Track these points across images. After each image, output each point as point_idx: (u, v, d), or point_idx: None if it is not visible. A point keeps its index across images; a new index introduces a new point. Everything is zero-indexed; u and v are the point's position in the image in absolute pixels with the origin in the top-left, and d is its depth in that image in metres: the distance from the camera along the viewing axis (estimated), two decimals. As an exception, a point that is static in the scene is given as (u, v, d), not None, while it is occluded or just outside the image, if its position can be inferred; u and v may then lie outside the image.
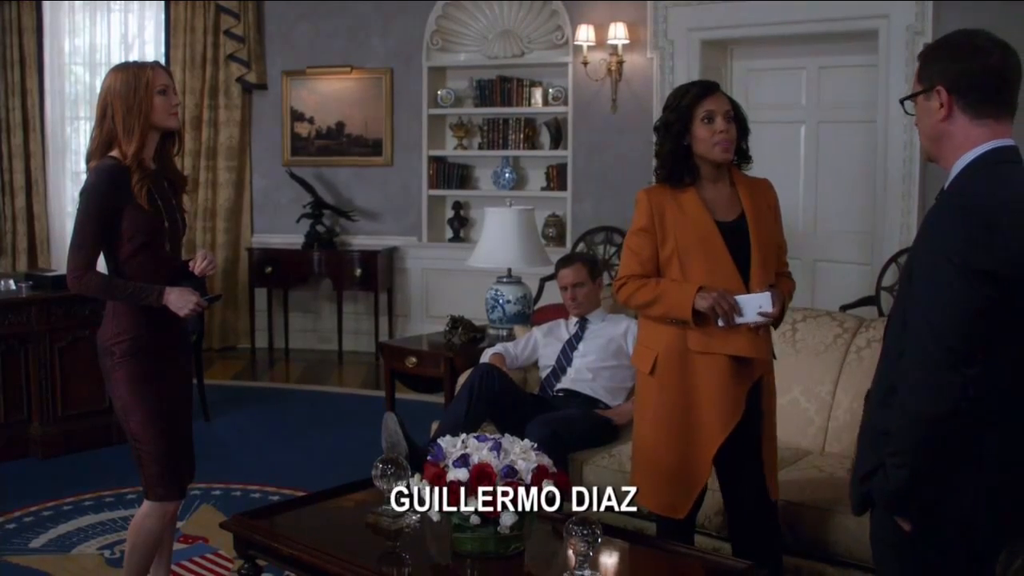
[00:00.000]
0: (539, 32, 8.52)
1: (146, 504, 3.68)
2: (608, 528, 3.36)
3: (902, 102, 2.45)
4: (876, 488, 2.29)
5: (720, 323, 3.37)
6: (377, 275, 8.84)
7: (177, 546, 4.64)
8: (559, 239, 8.57)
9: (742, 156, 3.60)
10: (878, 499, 2.30)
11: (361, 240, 9.14)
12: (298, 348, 9.28)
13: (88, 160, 3.60)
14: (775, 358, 3.64)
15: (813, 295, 7.40)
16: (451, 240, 8.99)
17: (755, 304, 3.38)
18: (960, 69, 2.30)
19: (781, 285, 3.57)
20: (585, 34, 8.08)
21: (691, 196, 3.50)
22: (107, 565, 4.52)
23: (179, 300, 3.51)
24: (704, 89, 3.52)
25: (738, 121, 3.52)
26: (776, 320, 3.48)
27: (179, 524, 4.90)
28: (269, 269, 9.05)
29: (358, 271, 8.84)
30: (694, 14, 7.71)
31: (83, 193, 3.56)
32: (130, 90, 3.49)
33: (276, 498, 5.16)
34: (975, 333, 2.16)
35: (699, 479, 3.50)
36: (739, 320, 3.38)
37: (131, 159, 3.49)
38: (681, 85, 3.67)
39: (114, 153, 3.52)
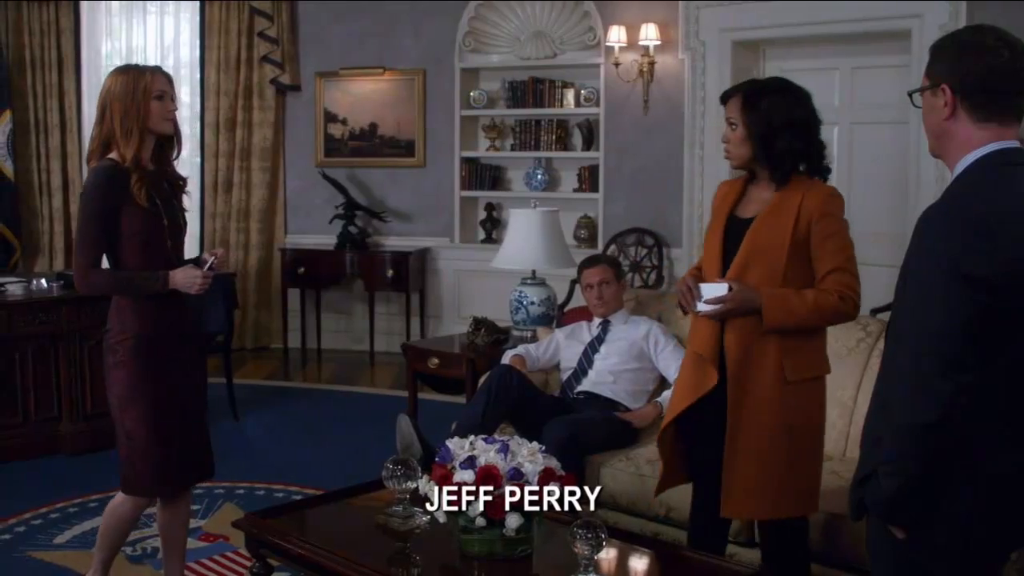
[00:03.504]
0: (571, 33, 8.50)
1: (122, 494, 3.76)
2: (617, 532, 3.36)
3: (910, 95, 2.40)
4: (869, 495, 2.25)
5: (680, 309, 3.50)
6: (409, 276, 8.85)
7: (198, 544, 4.69)
8: (591, 240, 8.54)
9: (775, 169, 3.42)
10: (871, 506, 2.26)
11: (393, 241, 9.16)
12: (330, 348, 9.32)
13: (88, 160, 3.67)
14: (790, 380, 3.37)
15: (845, 298, 7.32)
16: (483, 241, 8.99)
17: (711, 292, 3.37)
18: (966, 69, 2.24)
19: (798, 294, 3.34)
20: (616, 35, 8.05)
21: (735, 188, 3.55)
22: (129, 562, 4.55)
23: (185, 280, 3.57)
24: (722, 99, 3.55)
25: (749, 128, 3.41)
26: (723, 312, 3.34)
27: (201, 522, 4.96)
28: (302, 270, 9.09)
29: (390, 272, 8.86)
30: (726, 14, 7.66)
31: (83, 195, 3.64)
32: (128, 93, 3.54)
33: (299, 498, 5.17)
34: (967, 340, 2.11)
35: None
36: (697, 307, 3.39)
37: (129, 162, 3.54)
38: None
39: (112, 155, 3.58)
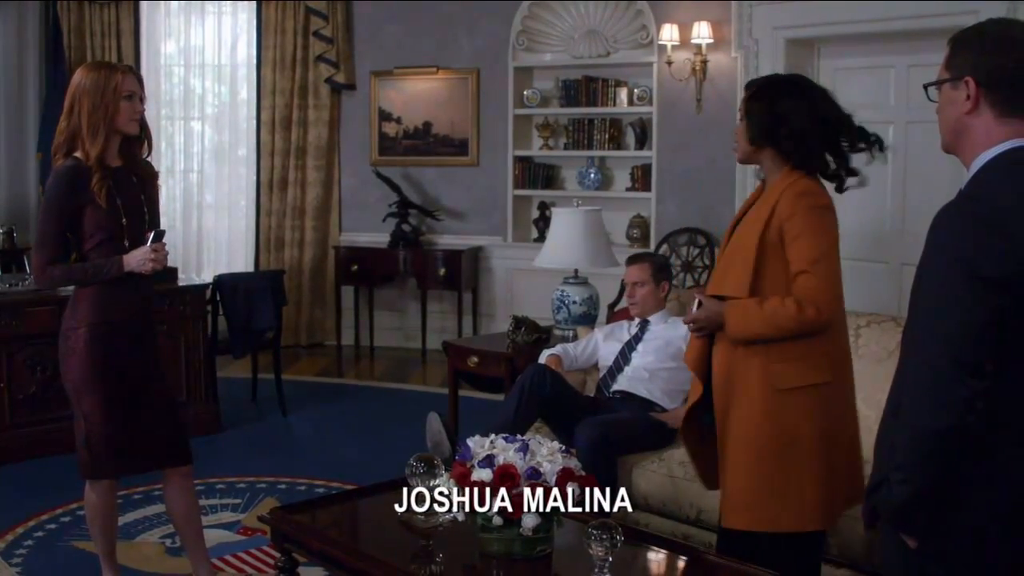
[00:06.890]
0: (624, 32, 8.45)
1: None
2: (643, 534, 3.33)
3: (926, 88, 2.36)
4: (881, 502, 2.20)
5: None
6: (461, 274, 8.88)
7: (235, 538, 4.76)
8: (643, 240, 8.49)
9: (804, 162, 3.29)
10: (882, 514, 2.21)
11: (446, 239, 9.20)
12: (383, 346, 9.37)
13: (54, 154, 3.71)
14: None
15: (900, 299, 7.20)
16: (536, 240, 8.94)
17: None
18: (993, 62, 2.19)
19: (758, 303, 3.18)
20: (669, 33, 7.99)
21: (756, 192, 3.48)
22: (167, 554, 4.62)
23: (138, 262, 3.61)
24: None
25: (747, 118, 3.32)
26: (701, 328, 3.30)
27: (240, 516, 5.01)
28: (356, 267, 9.15)
29: (442, 270, 8.89)
30: (779, 12, 7.56)
31: (45, 194, 3.73)
32: (98, 90, 3.59)
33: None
34: (984, 343, 2.05)
35: None
36: None
37: (93, 160, 3.60)
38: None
39: (78, 154, 3.63)
